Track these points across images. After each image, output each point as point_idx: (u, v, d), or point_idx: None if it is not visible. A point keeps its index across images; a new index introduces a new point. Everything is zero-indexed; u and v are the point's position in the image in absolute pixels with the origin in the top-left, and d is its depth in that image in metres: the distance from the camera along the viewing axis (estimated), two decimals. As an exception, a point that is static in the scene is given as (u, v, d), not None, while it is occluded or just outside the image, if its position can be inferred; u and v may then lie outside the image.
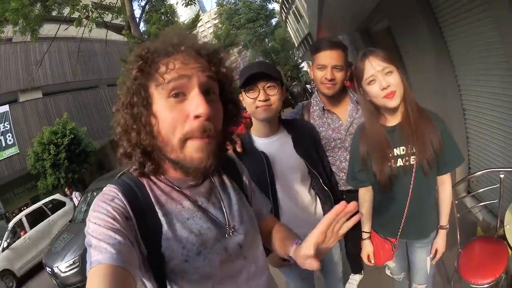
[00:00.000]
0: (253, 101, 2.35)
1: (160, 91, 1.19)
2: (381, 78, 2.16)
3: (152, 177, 1.34)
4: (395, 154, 2.35)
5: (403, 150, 2.33)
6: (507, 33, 3.32)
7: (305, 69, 68.39)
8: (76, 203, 14.80)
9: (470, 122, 4.98)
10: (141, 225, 1.22)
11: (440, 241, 2.57)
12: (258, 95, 2.32)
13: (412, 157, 2.31)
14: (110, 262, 1.03)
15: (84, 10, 15.31)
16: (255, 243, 1.54)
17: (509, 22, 3.23)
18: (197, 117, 1.17)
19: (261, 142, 2.56)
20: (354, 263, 3.98)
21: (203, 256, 1.29)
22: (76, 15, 15.71)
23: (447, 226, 2.57)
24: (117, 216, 1.16)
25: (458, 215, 2.99)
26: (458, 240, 3.14)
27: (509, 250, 2.78)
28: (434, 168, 2.33)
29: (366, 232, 2.70)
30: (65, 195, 21.87)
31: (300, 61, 62.31)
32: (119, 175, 9.71)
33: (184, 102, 1.19)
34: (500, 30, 3.46)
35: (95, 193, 10.35)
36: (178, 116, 1.18)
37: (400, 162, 2.35)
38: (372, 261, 2.72)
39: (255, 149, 2.51)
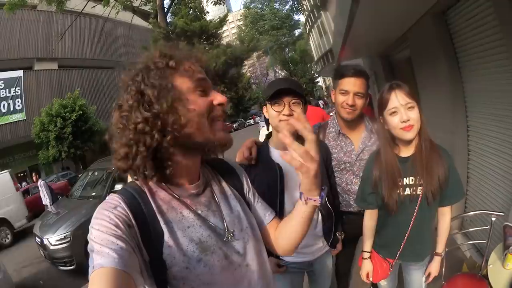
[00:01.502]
0: (277, 114, 2.44)
1: (189, 85, 1.33)
2: (403, 112, 2.33)
3: (153, 187, 1.39)
4: (404, 183, 2.51)
5: (412, 180, 2.49)
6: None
7: (320, 84, 68.22)
8: (42, 193, 14.53)
9: (472, 163, 5.06)
10: (143, 232, 1.26)
11: (434, 266, 2.77)
12: (283, 109, 2.42)
13: (419, 187, 2.48)
14: (113, 266, 1.06)
15: (115, -10, 15.32)
16: (257, 251, 1.55)
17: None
18: (220, 105, 1.39)
19: (278, 154, 2.61)
20: (342, 282, 4.02)
21: (204, 263, 1.31)
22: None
23: (443, 253, 2.75)
24: (120, 223, 1.19)
25: (447, 249, 3.04)
26: (443, 273, 3.21)
27: None
28: (437, 199, 2.50)
29: (367, 252, 2.86)
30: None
31: (317, 75, 62.07)
32: (114, 169, 9.83)
33: (206, 96, 1.37)
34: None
35: (96, 173, 10.47)
36: (207, 104, 1.35)
37: (408, 191, 2.52)
38: (371, 279, 2.89)
39: (272, 160, 2.61)
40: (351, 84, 2.93)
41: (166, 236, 1.28)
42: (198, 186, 1.47)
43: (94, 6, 16.73)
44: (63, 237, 8.24)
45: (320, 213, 2.79)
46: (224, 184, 1.63)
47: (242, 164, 2.62)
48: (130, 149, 1.27)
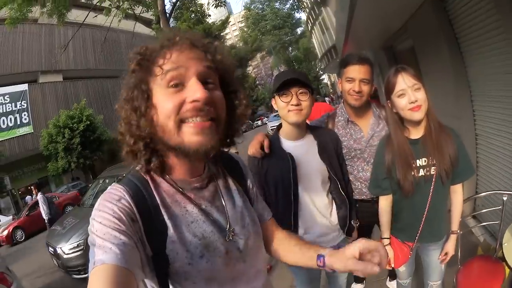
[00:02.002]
0: (285, 105, 2.52)
1: (159, 83, 1.23)
2: (410, 93, 2.38)
3: (157, 178, 1.37)
4: (417, 165, 2.55)
5: (425, 161, 2.54)
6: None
7: (325, 81, 68.12)
8: (41, 206, 14.45)
9: (480, 146, 5.07)
10: (147, 227, 1.24)
11: (450, 245, 2.78)
12: (291, 99, 2.50)
13: (432, 167, 2.54)
14: (114, 263, 1.04)
15: (115, 0, 15.39)
16: (256, 248, 1.55)
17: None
18: (194, 101, 1.20)
19: (289, 144, 2.72)
20: None
21: (206, 259, 1.30)
22: (106, 3, 15.81)
23: (458, 231, 2.77)
24: (123, 217, 1.17)
25: (460, 232, 3.05)
26: (459, 258, 3.23)
27: (506, 269, 2.89)
28: (450, 178, 2.54)
29: (386, 238, 2.87)
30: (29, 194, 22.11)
31: (321, 73, 62.02)
32: (126, 173, 9.79)
33: (182, 91, 1.22)
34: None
35: (106, 180, 10.39)
36: (176, 102, 1.20)
37: (421, 172, 2.57)
38: (393, 265, 2.89)
39: (283, 150, 2.68)
40: (356, 71, 2.97)
41: (170, 231, 1.27)
42: (202, 179, 1.44)
43: (96, 16, 16.74)
44: (76, 246, 8.23)
45: (334, 201, 2.85)
46: (229, 178, 1.60)
47: (255, 157, 2.70)
48: (125, 138, 1.29)
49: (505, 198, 3.05)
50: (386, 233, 2.87)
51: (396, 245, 2.89)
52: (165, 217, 1.28)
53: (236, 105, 1.46)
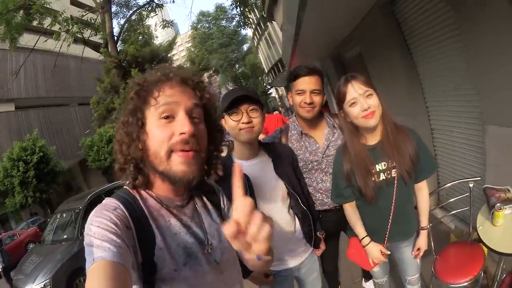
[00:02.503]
0: (236, 124, 2.42)
1: (153, 113, 1.39)
2: (362, 101, 2.38)
3: (143, 194, 1.47)
4: (377, 170, 2.57)
5: (384, 165, 2.56)
6: (475, 53, 3.64)
7: (273, 95, 68.39)
8: None
9: (437, 140, 5.32)
10: (139, 235, 1.33)
11: (422, 240, 2.83)
12: (241, 117, 2.41)
13: (393, 170, 2.55)
14: (113, 259, 1.12)
15: (65, 23, 15.24)
16: (232, 261, 1.65)
17: (475, 44, 3.56)
18: (182, 134, 1.35)
19: (243, 165, 2.54)
20: (331, 280, 4.00)
21: (189, 267, 1.41)
22: (56, 27, 15.62)
23: (428, 226, 2.84)
24: (119, 223, 1.25)
25: (430, 225, 3.11)
26: (433, 248, 3.34)
27: (485, 250, 3.03)
28: (413, 177, 2.60)
29: (366, 237, 2.84)
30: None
31: (269, 87, 62.28)
32: (88, 197, 9.66)
33: (172, 123, 1.38)
34: (466, 51, 3.79)
35: (64, 215, 10.32)
36: (167, 133, 1.36)
37: (382, 176, 2.58)
38: (383, 258, 2.84)
39: None
40: (306, 82, 2.98)
41: (158, 239, 1.38)
42: (183, 199, 1.57)
43: (46, 41, 16.52)
44: (43, 286, 8.13)
45: (296, 216, 2.82)
46: (205, 200, 1.73)
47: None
48: (118, 157, 1.46)
49: (471, 185, 3.18)
50: (362, 233, 2.83)
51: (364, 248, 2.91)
52: (153, 227, 1.39)
53: (217, 137, 1.63)
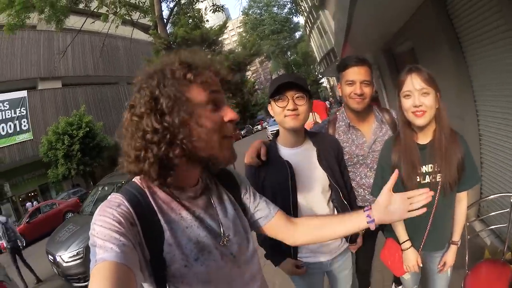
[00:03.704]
0: (281, 110, 2.41)
1: (203, 99, 1.33)
2: (416, 96, 2.27)
3: (153, 187, 1.42)
4: (424, 171, 2.45)
5: (431, 167, 2.43)
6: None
7: (324, 84, 68.39)
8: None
9: (485, 148, 5.02)
10: (145, 230, 1.29)
11: (450, 255, 2.66)
12: (287, 104, 2.39)
13: (438, 174, 2.41)
14: (116, 260, 1.09)
15: (112, 6, 15.42)
16: (250, 254, 1.61)
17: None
18: (231, 121, 1.39)
19: (287, 152, 2.61)
20: (363, 280, 3.99)
21: (201, 262, 1.36)
22: (103, 9, 15.85)
23: (458, 242, 2.65)
24: (122, 221, 1.22)
25: (468, 237, 3.04)
26: (467, 262, 3.18)
27: None
28: (455, 187, 2.44)
29: (406, 241, 2.70)
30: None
31: (320, 76, 62.26)
32: (126, 180, 9.74)
33: (218, 111, 1.37)
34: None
35: (106, 188, 10.45)
36: (218, 120, 1.36)
37: (427, 179, 2.45)
38: (417, 269, 2.72)
39: (280, 158, 2.57)
40: (356, 73, 2.88)
41: (167, 235, 1.33)
42: (196, 190, 1.51)
43: (93, 22, 16.78)
44: (76, 254, 8.19)
45: (336, 210, 2.74)
46: (220, 188, 1.67)
47: (251, 166, 2.62)
48: (139, 153, 1.28)
49: None
50: (404, 236, 2.70)
51: (399, 252, 2.78)
52: (162, 221, 1.34)
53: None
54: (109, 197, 1.35)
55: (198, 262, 1.36)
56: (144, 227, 1.29)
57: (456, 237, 2.65)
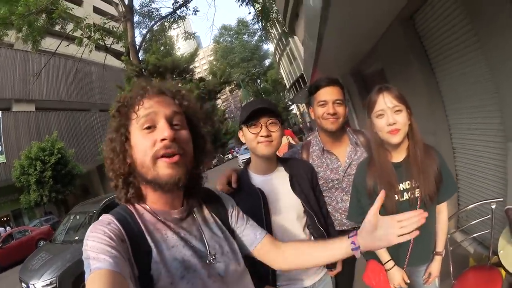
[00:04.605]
0: (254, 137, 2.39)
1: (136, 126, 1.44)
2: (390, 114, 2.31)
3: (139, 209, 1.50)
4: (401, 189, 2.49)
5: (408, 184, 2.47)
6: (498, 70, 3.51)
7: (294, 111, 68.76)
8: None
9: (459, 159, 5.15)
10: (134, 248, 1.34)
11: (434, 266, 2.70)
12: (260, 130, 2.37)
13: (416, 190, 2.45)
14: (110, 268, 1.14)
15: (87, 30, 15.48)
16: (238, 275, 1.62)
17: (500, 59, 3.42)
18: (162, 139, 1.39)
19: (259, 179, 2.58)
20: None
21: (187, 280, 1.39)
22: (78, 33, 15.89)
23: (443, 252, 2.70)
24: (113, 237, 1.28)
25: (451, 248, 3.11)
26: (452, 272, 3.24)
27: (503, 274, 2.90)
28: (435, 199, 2.50)
29: (389, 261, 2.68)
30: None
31: (290, 103, 62.65)
32: (98, 208, 9.69)
33: (154, 132, 1.42)
34: (491, 67, 3.65)
35: (77, 216, 10.45)
36: (149, 142, 1.40)
37: (406, 196, 2.48)
38: (404, 285, 2.68)
39: (252, 186, 2.53)
40: (328, 93, 2.93)
41: (154, 253, 1.38)
42: (181, 212, 1.57)
43: (68, 45, 16.80)
44: (49, 283, 8.14)
45: (312, 236, 2.71)
46: (206, 212, 1.72)
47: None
48: (108, 173, 1.50)
49: (493, 207, 3.07)
50: (386, 256, 2.67)
51: (383, 272, 2.77)
52: (149, 240, 1.40)
53: (201, 142, 1.64)
54: (100, 217, 1.42)
55: (184, 280, 1.38)
56: (133, 245, 1.35)
57: (440, 247, 2.68)
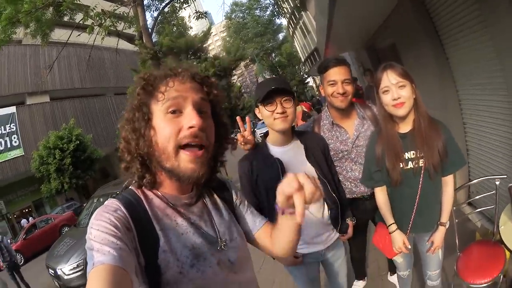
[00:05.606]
0: (271, 114, 2.60)
1: (160, 108, 1.37)
2: (394, 90, 2.51)
3: (149, 194, 1.46)
4: (406, 158, 2.66)
5: (413, 154, 2.65)
6: (504, 47, 3.53)
7: (310, 84, 68.14)
8: None
9: (469, 135, 5.17)
10: (141, 237, 1.31)
11: (437, 236, 2.83)
12: (276, 108, 2.57)
13: (421, 160, 2.64)
14: (113, 263, 1.11)
15: (98, 18, 15.40)
16: (246, 259, 1.64)
17: (505, 37, 3.44)
18: (190, 127, 1.34)
19: (276, 150, 2.79)
20: (358, 268, 4.14)
21: (196, 269, 1.37)
22: (88, 22, 15.82)
23: (447, 223, 2.82)
24: (119, 225, 1.24)
25: (456, 220, 3.18)
26: (457, 245, 3.31)
27: (507, 252, 2.96)
28: (439, 171, 2.64)
29: (392, 224, 2.89)
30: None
31: (306, 76, 62.02)
32: (120, 190, 9.71)
33: (179, 118, 1.37)
34: (497, 45, 3.67)
35: (101, 199, 10.54)
36: (174, 128, 1.34)
37: (410, 165, 2.68)
38: (405, 249, 2.89)
39: (271, 156, 2.75)
40: (336, 73, 3.10)
41: (162, 241, 1.35)
42: (191, 197, 1.55)
43: (79, 35, 16.71)
44: (76, 266, 8.38)
45: (325, 202, 2.90)
46: (215, 196, 1.71)
47: (245, 163, 2.80)
48: (123, 155, 1.45)
49: (497, 183, 3.11)
50: (390, 219, 2.91)
51: (388, 235, 2.95)
52: (157, 228, 1.37)
53: (223, 134, 1.61)
54: (106, 202, 1.39)
55: (193, 268, 1.36)
56: (140, 233, 1.31)
57: (444, 218, 2.81)
